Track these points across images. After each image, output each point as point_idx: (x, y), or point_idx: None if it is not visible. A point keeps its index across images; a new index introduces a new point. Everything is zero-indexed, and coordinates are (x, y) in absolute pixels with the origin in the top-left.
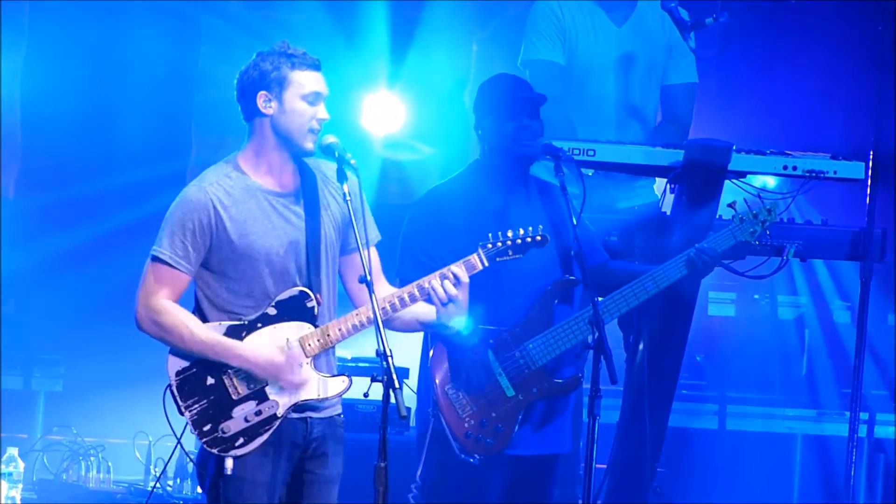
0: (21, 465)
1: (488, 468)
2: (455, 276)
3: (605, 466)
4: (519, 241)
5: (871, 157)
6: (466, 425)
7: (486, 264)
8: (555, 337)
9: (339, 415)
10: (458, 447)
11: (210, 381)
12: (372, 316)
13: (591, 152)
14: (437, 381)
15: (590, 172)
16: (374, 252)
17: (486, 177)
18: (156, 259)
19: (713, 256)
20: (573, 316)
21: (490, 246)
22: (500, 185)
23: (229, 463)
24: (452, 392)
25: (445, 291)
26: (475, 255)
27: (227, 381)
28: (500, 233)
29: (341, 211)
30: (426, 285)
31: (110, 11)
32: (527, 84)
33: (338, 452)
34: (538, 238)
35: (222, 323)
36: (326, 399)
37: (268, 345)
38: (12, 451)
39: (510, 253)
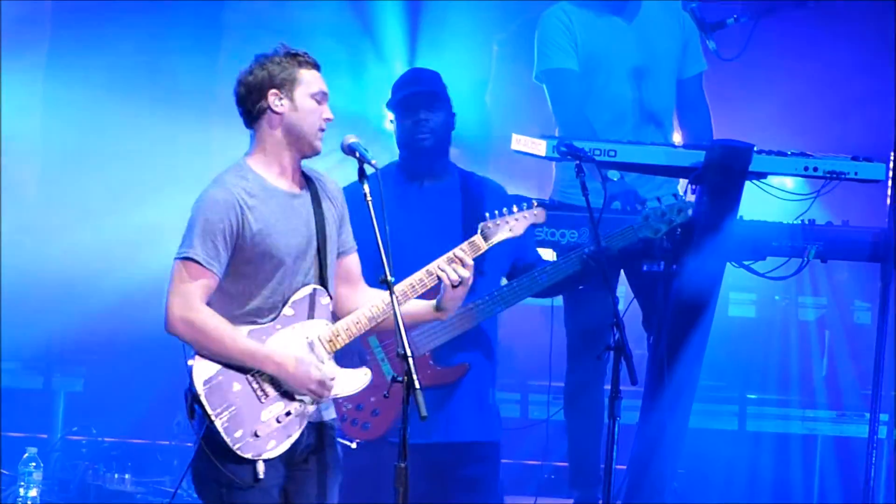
0: (41, 465)
1: (385, 458)
2: (460, 258)
3: (625, 467)
4: (516, 218)
5: (892, 158)
6: (343, 409)
7: (488, 244)
8: (440, 326)
9: (333, 419)
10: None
11: (237, 386)
12: (381, 308)
13: (612, 153)
14: None
15: (615, 177)
16: (356, 258)
17: (399, 173)
18: (187, 259)
19: (607, 256)
20: (462, 307)
21: (490, 225)
22: (409, 180)
23: (261, 467)
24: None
25: (457, 273)
26: (477, 236)
27: (253, 385)
28: (496, 211)
29: (335, 215)
30: (434, 270)
31: (131, 9)
32: (427, 77)
33: (331, 454)
34: (535, 212)
35: (240, 327)
36: (351, 394)
37: (297, 353)
38: (32, 450)
39: (510, 231)
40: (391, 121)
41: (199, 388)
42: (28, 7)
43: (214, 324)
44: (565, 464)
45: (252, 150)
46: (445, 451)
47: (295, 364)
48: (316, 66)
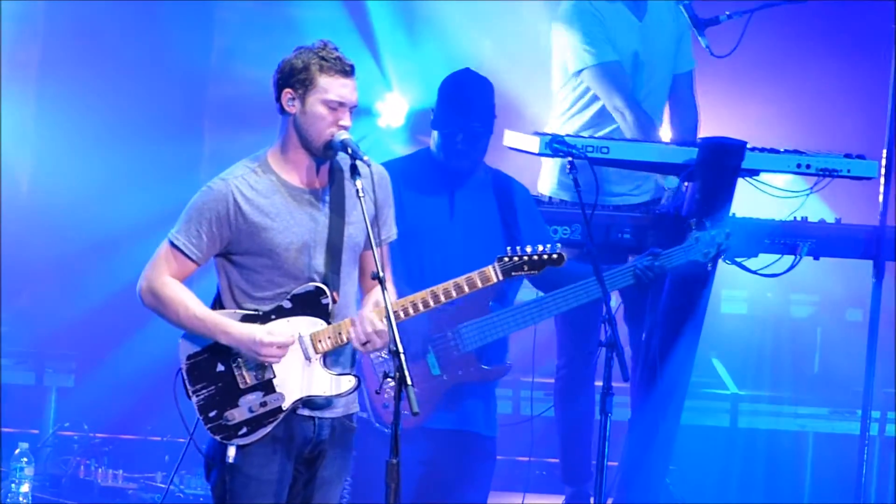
0: (32, 460)
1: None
2: (459, 288)
3: (617, 464)
4: (536, 257)
5: (884, 155)
6: (386, 395)
7: (501, 278)
8: (490, 324)
9: (349, 416)
10: (374, 416)
11: (219, 367)
12: (357, 324)
13: (604, 150)
14: None
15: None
16: (384, 250)
17: (438, 166)
18: (170, 243)
19: (658, 273)
20: (512, 306)
21: (506, 259)
22: (451, 176)
23: (231, 451)
24: (379, 359)
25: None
26: (490, 267)
27: (235, 370)
28: (518, 247)
29: (369, 210)
30: (440, 293)
31: (125, 6)
32: (488, 111)
33: (340, 455)
34: (555, 256)
35: (237, 311)
36: (336, 397)
37: (263, 328)
38: (24, 446)
39: (525, 268)
40: (432, 122)
41: (182, 362)
42: (22, 4)
43: (171, 294)
44: (556, 460)
45: (275, 142)
46: (475, 440)
47: (242, 329)
48: (343, 73)
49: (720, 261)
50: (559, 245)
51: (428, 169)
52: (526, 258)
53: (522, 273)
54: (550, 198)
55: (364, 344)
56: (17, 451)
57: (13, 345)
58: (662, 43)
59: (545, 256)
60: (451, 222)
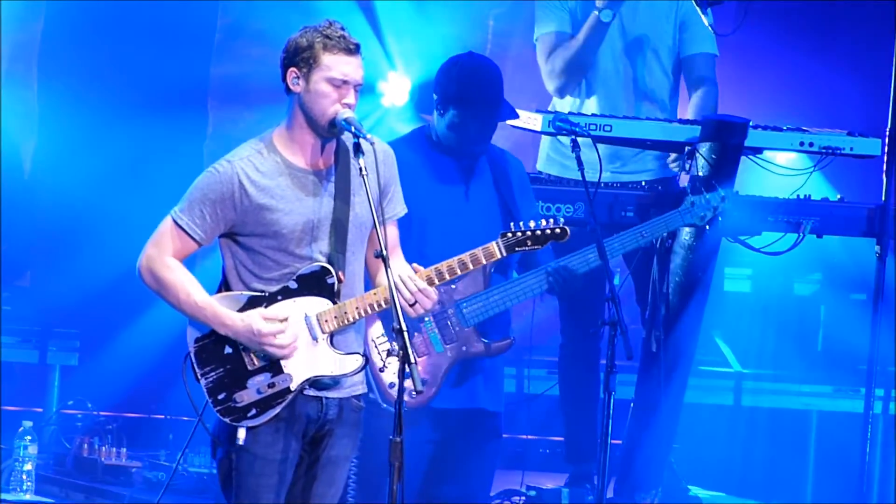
0: (36, 438)
1: (413, 424)
2: (464, 265)
3: (620, 442)
4: (539, 232)
5: (887, 133)
6: (392, 375)
7: (505, 254)
8: (489, 299)
9: (357, 397)
10: (381, 397)
11: (227, 350)
12: (374, 301)
13: (608, 127)
14: (367, 329)
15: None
16: (392, 227)
17: (443, 147)
18: (174, 221)
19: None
20: (509, 281)
21: (510, 235)
22: (458, 157)
23: (241, 433)
24: (382, 341)
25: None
26: (494, 243)
27: (243, 352)
28: (521, 223)
29: (375, 188)
30: (444, 270)
31: None
32: (500, 77)
33: (348, 434)
34: (557, 231)
35: (243, 293)
36: (343, 377)
37: (259, 315)
38: (28, 424)
39: (529, 244)
40: (438, 105)
41: (191, 346)
42: None
43: (174, 277)
44: (560, 438)
45: (282, 122)
46: (484, 417)
47: (238, 321)
48: (347, 51)
49: (724, 239)
50: (562, 219)
51: (433, 150)
52: (529, 233)
53: (526, 248)
54: (540, 172)
55: (412, 305)
56: (20, 430)
57: (16, 323)
58: (652, 23)
59: (548, 231)
60: (467, 204)
